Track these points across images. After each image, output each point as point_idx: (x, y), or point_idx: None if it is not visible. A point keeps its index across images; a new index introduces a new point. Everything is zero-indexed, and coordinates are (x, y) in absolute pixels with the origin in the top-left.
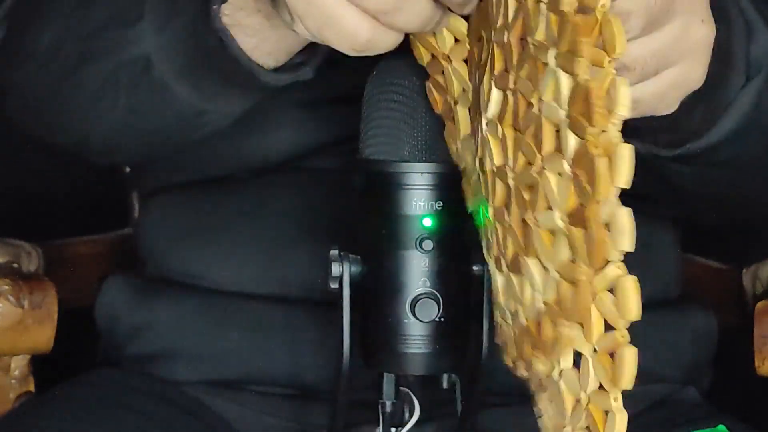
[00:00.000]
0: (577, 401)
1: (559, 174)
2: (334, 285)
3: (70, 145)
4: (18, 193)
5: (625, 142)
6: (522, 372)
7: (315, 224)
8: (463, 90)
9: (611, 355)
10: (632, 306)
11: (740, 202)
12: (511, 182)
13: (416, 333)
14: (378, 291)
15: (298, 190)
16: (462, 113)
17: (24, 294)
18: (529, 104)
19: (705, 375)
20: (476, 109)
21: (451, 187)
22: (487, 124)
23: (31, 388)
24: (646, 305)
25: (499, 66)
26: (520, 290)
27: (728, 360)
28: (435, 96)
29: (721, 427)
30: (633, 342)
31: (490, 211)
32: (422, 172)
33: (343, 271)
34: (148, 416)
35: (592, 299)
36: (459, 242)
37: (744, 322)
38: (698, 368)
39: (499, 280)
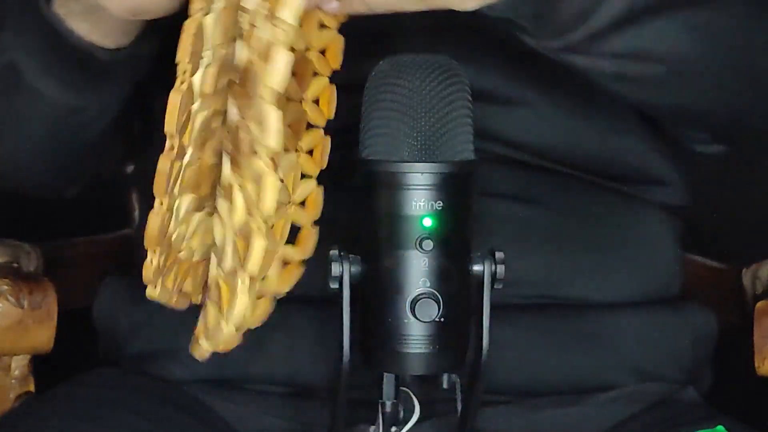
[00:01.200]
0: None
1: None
2: (334, 285)
3: None
4: (18, 193)
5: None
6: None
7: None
8: None
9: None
10: (268, 202)
11: (685, 113)
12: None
13: (416, 333)
14: (378, 291)
15: None
16: None
17: (24, 294)
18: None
19: (705, 374)
20: None
21: (451, 187)
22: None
23: (31, 388)
24: (645, 303)
25: None
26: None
27: (728, 360)
28: None
29: (720, 427)
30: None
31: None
32: (422, 172)
33: (343, 271)
34: (148, 416)
35: None
36: (459, 242)
37: (744, 322)
38: (698, 367)
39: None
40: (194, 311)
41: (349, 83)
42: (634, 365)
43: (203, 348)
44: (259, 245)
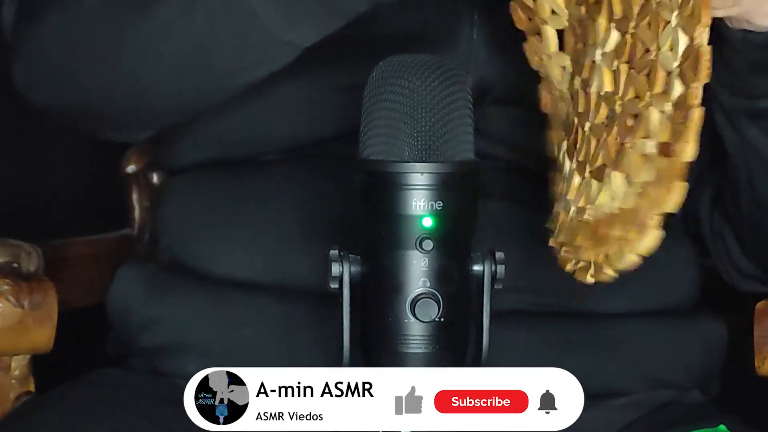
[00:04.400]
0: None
1: (662, 112)
2: (334, 285)
3: (93, 107)
4: (18, 193)
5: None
6: (562, 254)
7: (325, 219)
8: (552, 12)
9: None
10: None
11: None
12: (617, 108)
13: (416, 333)
14: (378, 291)
15: (316, 178)
16: (551, 32)
17: (24, 294)
18: (647, 50)
19: (713, 382)
20: (582, 38)
21: (451, 187)
22: (602, 56)
23: (31, 388)
24: (659, 313)
25: (618, 10)
26: (596, 194)
27: (728, 360)
28: (520, 14)
29: (722, 427)
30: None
31: (587, 124)
32: (422, 172)
33: (343, 271)
34: (149, 416)
35: (657, 214)
36: (459, 242)
37: (744, 322)
38: (707, 376)
39: (575, 179)
40: (208, 306)
41: (350, 85)
42: (646, 373)
43: (607, 274)
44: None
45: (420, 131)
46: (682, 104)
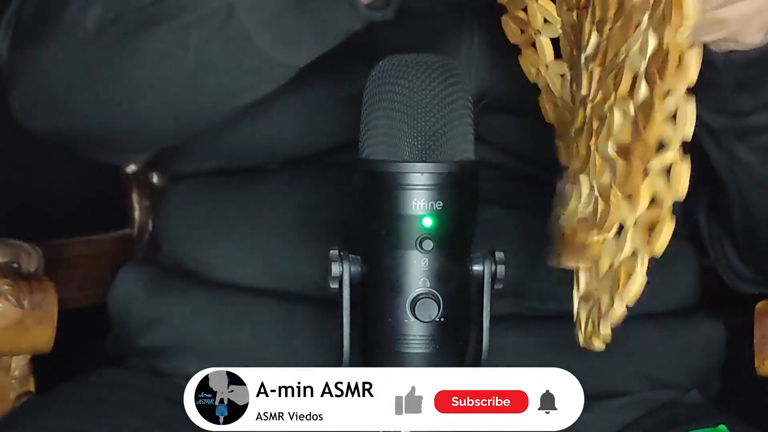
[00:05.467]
0: (610, 266)
1: (624, 113)
2: (334, 285)
3: (90, 133)
4: (18, 193)
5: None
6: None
7: (325, 224)
8: (545, 21)
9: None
10: (682, 186)
11: None
12: (588, 111)
13: (416, 333)
14: (378, 291)
15: (317, 185)
16: (546, 42)
17: (24, 294)
18: (617, 52)
19: (712, 382)
20: (575, 44)
21: (451, 187)
22: (584, 60)
23: (31, 388)
24: (661, 316)
25: (599, 14)
26: (569, 201)
27: (728, 360)
28: (512, 27)
29: (722, 426)
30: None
31: (572, 129)
32: (422, 172)
33: (343, 271)
34: (149, 416)
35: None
36: (459, 242)
37: (744, 322)
38: (706, 376)
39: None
40: (209, 307)
41: (352, 95)
42: (646, 373)
43: (605, 334)
44: (667, 228)
45: (420, 131)
46: (645, 105)
